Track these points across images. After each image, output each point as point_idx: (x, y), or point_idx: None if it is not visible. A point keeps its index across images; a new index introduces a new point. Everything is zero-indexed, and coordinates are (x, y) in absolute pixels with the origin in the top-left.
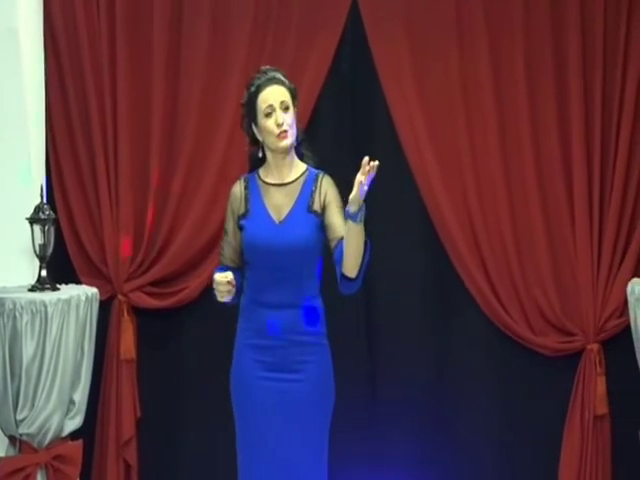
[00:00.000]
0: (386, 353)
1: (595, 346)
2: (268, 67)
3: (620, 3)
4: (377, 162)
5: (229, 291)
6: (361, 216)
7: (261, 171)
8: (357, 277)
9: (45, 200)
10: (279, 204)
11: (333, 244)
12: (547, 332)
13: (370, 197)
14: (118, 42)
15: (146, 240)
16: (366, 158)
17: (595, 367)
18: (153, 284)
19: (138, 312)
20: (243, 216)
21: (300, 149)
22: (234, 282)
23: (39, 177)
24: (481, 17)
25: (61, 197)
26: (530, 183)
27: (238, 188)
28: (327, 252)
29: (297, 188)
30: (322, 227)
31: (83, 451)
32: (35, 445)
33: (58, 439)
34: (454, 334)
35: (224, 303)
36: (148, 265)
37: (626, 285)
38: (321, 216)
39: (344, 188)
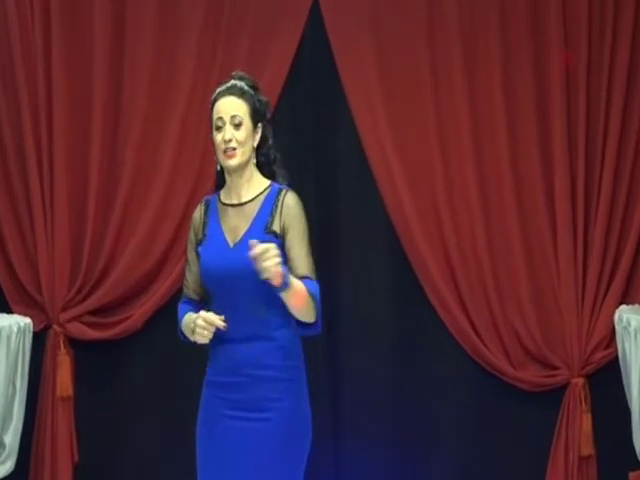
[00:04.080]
0: (355, 386)
1: (580, 380)
2: (240, 73)
3: (605, 11)
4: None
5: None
6: (285, 285)
7: (222, 192)
8: (315, 322)
9: None
10: (235, 226)
11: None
12: (527, 365)
13: (340, 223)
14: (54, 53)
15: (84, 265)
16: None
17: (580, 403)
18: (92, 313)
19: (76, 344)
20: (200, 242)
21: (272, 167)
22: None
23: None
24: (455, 17)
25: None
26: (509, 206)
27: (198, 213)
28: None
29: (255, 207)
30: (283, 248)
31: None
32: None
33: None
34: (427, 367)
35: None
36: (87, 292)
37: (613, 313)
38: (281, 237)
39: (306, 205)
